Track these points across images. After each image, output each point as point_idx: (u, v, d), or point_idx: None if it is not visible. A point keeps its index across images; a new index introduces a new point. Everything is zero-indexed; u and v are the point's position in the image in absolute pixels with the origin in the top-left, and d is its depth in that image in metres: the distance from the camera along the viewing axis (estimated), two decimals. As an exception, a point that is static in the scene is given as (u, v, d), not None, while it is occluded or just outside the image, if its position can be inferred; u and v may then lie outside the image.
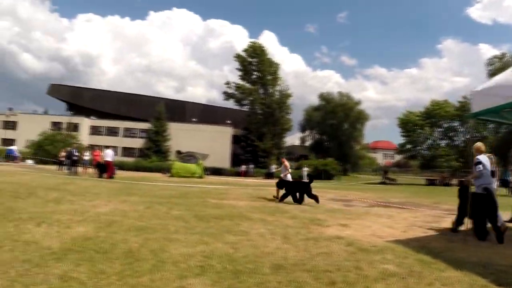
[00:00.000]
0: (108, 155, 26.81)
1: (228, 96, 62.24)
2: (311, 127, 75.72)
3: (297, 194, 15.83)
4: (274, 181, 17.28)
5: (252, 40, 68.90)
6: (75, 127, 67.09)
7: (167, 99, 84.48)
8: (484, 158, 9.42)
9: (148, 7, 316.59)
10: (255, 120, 62.88)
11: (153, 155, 62.50)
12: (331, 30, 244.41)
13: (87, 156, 30.04)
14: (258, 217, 11.08)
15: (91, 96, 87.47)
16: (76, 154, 29.13)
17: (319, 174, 49.26)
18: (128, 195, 15.50)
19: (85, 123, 71.23)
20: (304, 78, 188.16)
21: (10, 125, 75.11)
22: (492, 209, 8.78)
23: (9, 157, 48.72)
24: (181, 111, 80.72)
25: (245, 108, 64.07)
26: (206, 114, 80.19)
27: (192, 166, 36.36)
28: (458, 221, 9.76)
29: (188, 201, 14.26)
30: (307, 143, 76.46)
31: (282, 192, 16.34)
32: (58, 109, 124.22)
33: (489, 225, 8.80)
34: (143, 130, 69.85)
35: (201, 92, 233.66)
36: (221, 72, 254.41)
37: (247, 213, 11.79)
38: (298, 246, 7.44)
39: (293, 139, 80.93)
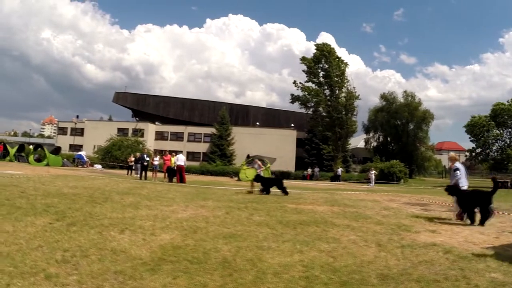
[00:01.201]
0: (181, 160, 26.87)
1: (294, 98, 60.87)
2: (375, 128, 73.51)
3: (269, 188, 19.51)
4: (340, 185, 16.90)
5: (310, 42, 68.00)
6: (140, 132, 68.13)
7: (229, 103, 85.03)
8: (460, 164, 12.66)
9: (205, 15, 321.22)
10: (320, 123, 61.56)
11: (218, 159, 62.68)
12: (388, 28, 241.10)
13: (156, 161, 30.16)
14: (342, 223, 10.58)
15: (155, 102, 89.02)
16: (147, 159, 29.33)
17: (385, 177, 47.99)
18: (203, 199, 15.35)
19: (150, 128, 72.33)
20: (364, 79, 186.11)
21: (78, 131, 77.32)
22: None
23: (78, 162, 49.94)
24: (244, 115, 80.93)
25: (310, 111, 62.63)
26: (268, 117, 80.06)
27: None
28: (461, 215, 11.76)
29: (266, 206, 13.90)
30: (371, 145, 74.69)
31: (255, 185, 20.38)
32: (122, 115, 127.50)
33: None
34: (207, 135, 70.35)
35: (261, 96, 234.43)
36: (280, 75, 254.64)
37: (330, 218, 11.29)
38: (396, 254, 7.05)
39: (355, 141, 79.54)
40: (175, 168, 27.10)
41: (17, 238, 6.91)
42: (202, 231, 8.42)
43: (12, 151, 47.08)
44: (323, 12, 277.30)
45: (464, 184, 12.26)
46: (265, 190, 19.35)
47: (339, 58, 60.21)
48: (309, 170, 56.00)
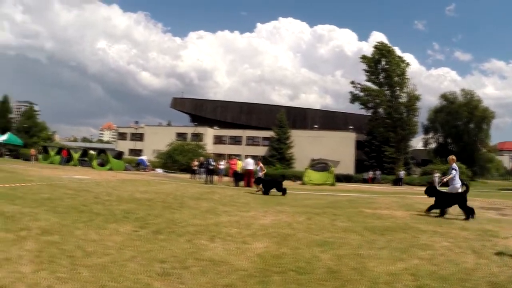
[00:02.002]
0: (250, 164, 26.88)
1: (354, 97, 60.07)
2: (435, 129, 71.02)
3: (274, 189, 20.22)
4: (404, 188, 16.45)
5: (362, 42, 66.86)
6: (198, 137, 68.84)
7: (287, 106, 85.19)
8: (456, 166, 14.48)
9: (255, 20, 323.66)
10: (380, 124, 60.28)
11: (277, 163, 62.33)
12: (441, 24, 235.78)
13: (222, 165, 30.33)
14: (428, 228, 10.21)
15: (213, 107, 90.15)
16: (213, 163, 29.49)
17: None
18: (277, 204, 15.17)
19: (209, 133, 73.38)
20: (418, 78, 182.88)
21: (138, 136, 78.80)
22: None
23: (140, 166, 50.86)
24: (302, 118, 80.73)
25: (370, 112, 61.73)
26: (326, 120, 79.58)
27: (324, 174, 35.76)
28: (431, 208, 13.65)
29: (343, 211, 13.66)
30: (431, 147, 72.73)
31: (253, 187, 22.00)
32: (179, 120, 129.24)
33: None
34: (265, 138, 70.74)
35: (315, 98, 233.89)
36: (333, 77, 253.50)
37: (413, 224, 10.91)
38: (495, 261, 6.83)
39: (413, 142, 77.80)
40: (244, 172, 27.14)
41: (106, 247, 6.91)
42: (292, 238, 8.28)
43: (76, 156, 48.74)
44: (373, 11, 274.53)
45: (457, 183, 14.12)
46: (265, 192, 20.03)
47: (399, 57, 59.00)
48: (370, 173, 54.80)
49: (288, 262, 6.22)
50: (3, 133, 65.53)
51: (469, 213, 12.58)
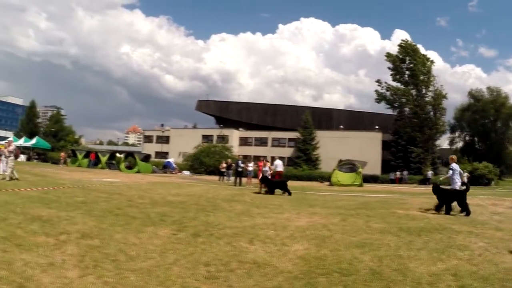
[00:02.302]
0: (280, 166, 27.09)
1: (380, 97, 59.54)
2: (462, 128, 70.91)
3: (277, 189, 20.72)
4: (431, 188, 16.37)
5: (385, 40, 66.12)
6: (224, 139, 69.09)
7: (312, 107, 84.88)
8: (455, 165, 15.52)
9: (276, 21, 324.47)
10: (407, 124, 59.62)
11: (303, 164, 62.31)
12: (464, 20, 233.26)
13: (251, 167, 30.46)
14: (462, 229, 10.22)
15: (238, 109, 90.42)
16: (242, 165, 29.64)
17: (475, 180, 45.75)
18: (310, 206, 15.26)
19: (235, 134, 73.62)
20: (443, 76, 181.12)
21: (163, 139, 79.57)
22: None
23: (167, 168, 51.30)
24: (327, 118, 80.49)
25: (396, 111, 61.41)
26: (352, 120, 79.17)
27: (352, 175, 35.66)
28: (438, 207, 14.51)
29: (376, 212, 13.72)
30: (457, 146, 71.64)
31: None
32: (204, 123, 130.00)
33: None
34: (291, 139, 70.49)
35: (338, 98, 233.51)
36: (357, 77, 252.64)
37: (447, 225, 10.90)
38: None
39: (440, 142, 76.89)
40: (275, 174, 27.27)
41: (148, 251, 7.02)
42: (330, 240, 8.37)
43: (104, 159, 49.46)
44: (395, 9, 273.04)
45: (457, 181, 15.12)
46: (270, 191, 20.68)
47: (424, 56, 58.29)
48: (398, 173, 54.35)
49: (330, 264, 6.33)
50: (31, 137, 66.68)
51: (467, 210, 13.52)
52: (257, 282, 5.46)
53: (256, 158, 47.08)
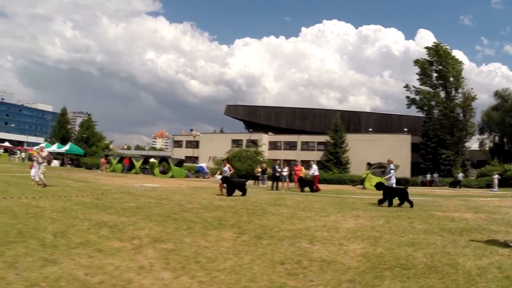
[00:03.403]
0: (316, 170, 27.83)
1: (410, 101, 59.57)
2: (491, 128, 69.65)
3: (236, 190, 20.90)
4: (465, 191, 17.16)
5: (409, 41, 65.52)
6: (255, 143, 69.69)
7: (340, 110, 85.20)
8: (393, 166, 19.44)
9: (299, 24, 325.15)
10: (436, 126, 59.72)
11: (334, 167, 62.61)
12: (488, 18, 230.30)
13: (285, 171, 31.12)
14: (499, 229, 11.00)
15: (266, 113, 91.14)
16: (278, 169, 30.29)
17: (505, 181, 45.49)
18: (352, 209, 15.87)
19: (264, 138, 74.13)
20: (469, 75, 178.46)
21: (193, 144, 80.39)
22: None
23: (199, 173, 52.21)
24: (356, 121, 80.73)
25: (424, 114, 61.51)
26: (380, 123, 79.44)
27: (384, 178, 35.83)
28: (382, 201, 17.56)
29: (416, 214, 14.24)
30: (486, 147, 70.87)
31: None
32: (230, 127, 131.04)
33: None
34: (320, 143, 70.81)
35: (364, 100, 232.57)
36: (382, 78, 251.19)
37: (485, 225, 11.66)
38: None
39: (468, 143, 76.14)
40: (312, 178, 28.08)
41: (222, 253, 7.49)
42: (381, 240, 9.02)
43: (138, 164, 50.28)
44: (418, 9, 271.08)
45: (393, 181, 19.17)
46: (230, 192, 20.73)
47: (455, 58, 58.12)
48: (428, 175, 54.19)
49: (389, 260, 7.02)
50: (63, 143, 68.32)
51: (410, 203, 16.92)
52: (332, 276, 6.05)
53: (286, 162, 47.88)
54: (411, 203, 16.86)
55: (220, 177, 21.96)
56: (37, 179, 20.11)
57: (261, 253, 7.58)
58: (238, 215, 13.12)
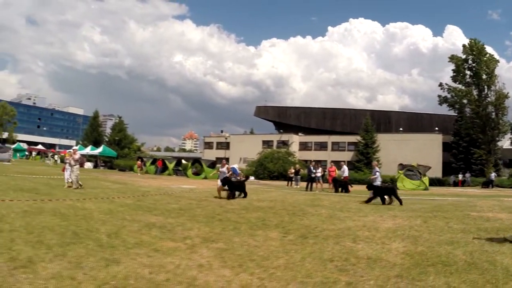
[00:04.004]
0: (346, 171, 28.27)
1: (442, 99, 59.13)
2: None
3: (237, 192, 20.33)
4: (495, 190, 17.34)
5: (437, 37, 64.42)
6: (288, 144, 70.03)
7: (370, 110, 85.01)
8: (378, 169, 21.83)
9: (325, 23, 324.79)
10: (468, 125, 59.25)
11: (364, 168, 62.22)
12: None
13: (319, 172, 31.47)
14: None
15: (296, 113, 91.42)
16: (313, 170, 30.69)
17: None
18: (388, 209, 16.28)
19: (294, 139, 74.47)
20: (499, 71, 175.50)
21: (223, 145, 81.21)
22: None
23: (232, 174, 52.64)
24: (386, 121, 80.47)
25: (456, 112, 60.90)
26: (411, 122, 79.03)
27: (417, 182, 35.86)
28: (370, 200, 19.18)
29: (451, 214, 14.56)
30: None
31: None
32: (260, 128, 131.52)
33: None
34: (350, 143, 70.87)
35: (392, 99, 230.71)
36: (410, 76, 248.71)
37: (521, 225, 11.94)
38: None
39: (501, 142, 74.95)
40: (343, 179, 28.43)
41: (273, 251, 7.91)
42: (420, 239, 9.42)
43: (171, 166, 51.10)
44: (445, 4, 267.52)
45: (378, 181, 20.97)
46: (232, 194, 19.84)
47: (491, 55, 57.20)
48: (460, 175, 53.56)
49: (431, 257, 7.45)
50: (95, 145, 69.64)
51: (399, 200, 18.35)
52: (380, 272, 6.45)
53: (318, 163, 48.14)
54: (400, 201, 18.40)
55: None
56: (70, 181, 20.76)
57: (309, 251, 8.00)
58: (279, 215, 13.61)
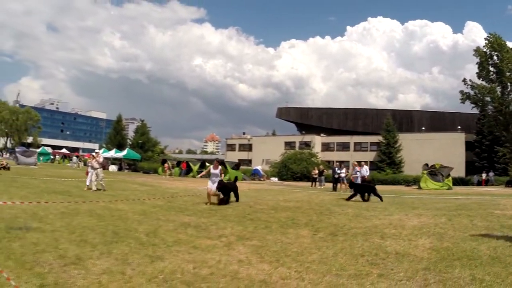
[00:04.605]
0: (367, 170, 28.59)
1: (465, 96, 57.44)
2: None
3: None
4: None
5: (457, 34, 63.33)
6: (309, 145, 70.30)
7: (392, 110, 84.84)
8: (358, 168, 24.01)
9: (344, 23, 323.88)
10: (491, 123, 58.43)
11: (387, 168, 62.46)
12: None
13: (343, 173, 31.73)
14: (558, 225, 11.52)
15: (318, 114, 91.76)
16: (338, 171, 31.05)
17: None
18: (412, 208, 16.64)
19: (316, 140, 74.75)
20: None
21: (246, 147, 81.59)
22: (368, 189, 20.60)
23: (255, 176, 53.24)
24: (408, 120, 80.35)
25: (478, 110, 59.61)
26: (433, 121, 78.90)
27: (440, 183, 35.95)
28: (350, 197, 20.27)
29: (475, 212, 14.82)
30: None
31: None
32: (281, 129, 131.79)
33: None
34: (373, 143, 70.90)
35: (414, 98, 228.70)
36: (431, 75, 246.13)
37: (544, 222, 12.22)
38: None
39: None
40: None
41: (306, 248, 8.37)
42: (446, 235, 9.81)
43: (195, 168, 51.68)
44: (464, 0, 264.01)
45: (359, 180, 23.19)
46: (224, 199, 17.60)
47: (509, 50, 55.56)
48: (484, 175, 53.04)
49: (457, 252, 7.84)
50: (119, 148, 70.58)
51: (379, 197, 19.81)
52: (409, 266, 6.88)
53: (342, 163, 48.29)
54: (380, 198, 19.80)
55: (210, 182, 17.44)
56: (88, 183, 21.29)
57: (340, 247, 8.43)
58: (307, 215, 14.08)
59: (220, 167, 18.52)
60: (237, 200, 18.30)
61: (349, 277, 6.23)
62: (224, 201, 17.22)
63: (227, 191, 17.70)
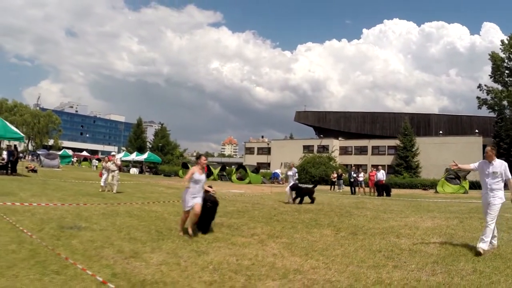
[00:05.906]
0: (383, 174, 29.48)
1: (481, 102, 58.61)
2: None
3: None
4: None
5: (474, 36, 63.01)
6: (325, 148, 71.02)
7: (410, 113, 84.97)
8: (295, 170, 22.67)
9: (360, 26, 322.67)
10: (508, 126, 58.79)
11: (404, 172, 62.92)
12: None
13: (361, 176, 32.49)
14: None
15: (336, 118, 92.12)
16: (354, 175, 31.96)
17: None
18: (427, 211, 17.51)
19: (334, 144, 75.21)
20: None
21: (265, 150, 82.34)
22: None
23: (274, 179, 54.16)
24: (426, 124, 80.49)
25: (496, 114, 60.34)
26: (451, 125, 79.03)
27: (457, 186, 36.48)
28: (294, 199, 20.77)
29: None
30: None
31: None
32: (299, 133, 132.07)
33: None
34: (390, 147, 71.04)
35: (431, 101, 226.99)
36: (448, 77, 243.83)
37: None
38: None
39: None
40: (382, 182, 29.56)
41: (330, 245, 9.26)
42: (456, 235, 10.73)
43: (216, 171, 52.68)
44: (481, 0, 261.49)
45: (292, 181, 21.71)
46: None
47: None
48: None
49: (463, 250, 8.76)
50: (139, 151, 71.83)
51: (312, 199, 20.99)
52: (420, 259, 7.83)
53: (359, 167, 48.90)
54: (312, 200, 20.94)
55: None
56: (103, 184, 22.14)
57: (360, 245, 9.35)
58: (329, 216, 15.03)
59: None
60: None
61: (368, 267, 7.23)
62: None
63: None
